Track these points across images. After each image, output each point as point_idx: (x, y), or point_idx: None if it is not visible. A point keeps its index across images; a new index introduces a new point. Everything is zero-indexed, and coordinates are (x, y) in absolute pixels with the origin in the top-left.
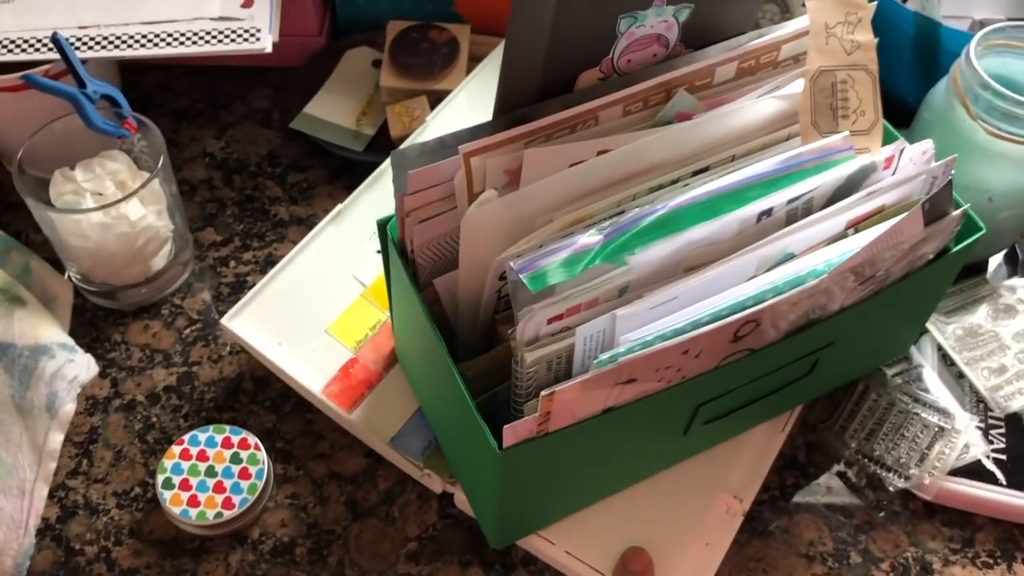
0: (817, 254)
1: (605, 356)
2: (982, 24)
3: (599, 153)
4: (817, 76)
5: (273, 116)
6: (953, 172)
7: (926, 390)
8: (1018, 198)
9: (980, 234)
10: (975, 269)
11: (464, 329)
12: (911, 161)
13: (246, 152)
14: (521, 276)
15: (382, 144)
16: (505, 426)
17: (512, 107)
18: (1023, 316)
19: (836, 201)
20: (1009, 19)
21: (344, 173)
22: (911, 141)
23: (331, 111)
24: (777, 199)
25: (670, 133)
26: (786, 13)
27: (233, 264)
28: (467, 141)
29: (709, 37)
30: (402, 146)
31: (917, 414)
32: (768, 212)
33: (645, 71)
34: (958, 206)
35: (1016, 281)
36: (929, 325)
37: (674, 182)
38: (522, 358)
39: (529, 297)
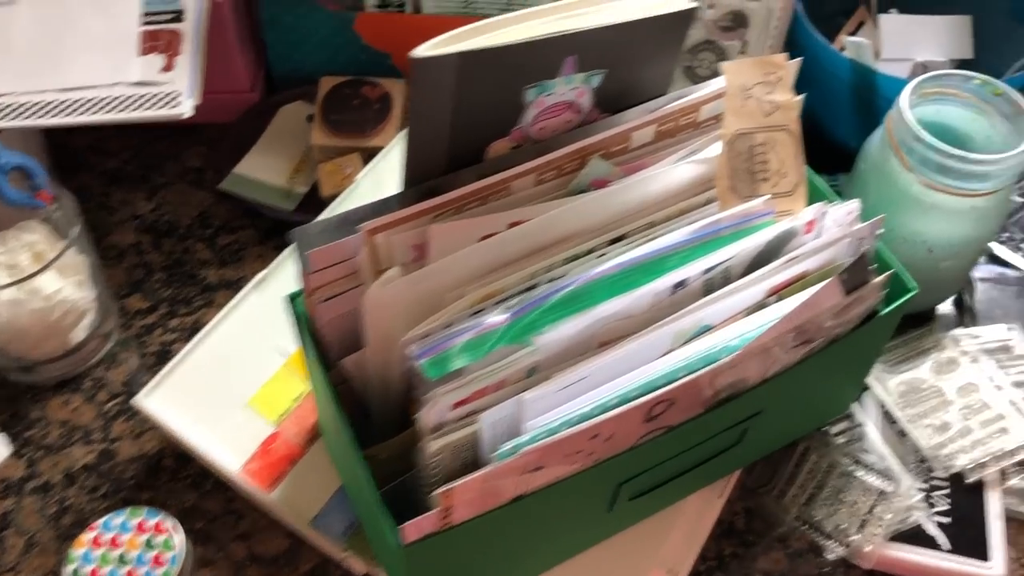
0: (735, 325)
1: (507, 447)
2: (924, 67)
3: (511, 225)
4: (734, 139)
5: (206, 175)
6: (881, 231)
7: (868, 451)
8: (958, 248)
9: (911, 295)
10: (922, 318)
11: (378, 408)
12: (836, 223)
13: (177, 214)
14: (420, 362)
15: (315, 203)
16: (406, 524)
17: (420, 180)
18: (966, 369)
19: (758, 268)
20: (951, 60)
21: (276, 233)
22: (850, 191)
23: (263, 169)
24: (692, 270)
25: (585, 202)
26: (722, 59)
27: (159, 332)
28: (371, 218)
29: (626, 101)
30: (325, 212)
31: (858, 477)
32: (682, 284)
33: (559, 138)
34: (887, 267)
35: (960, 332)
36: (872, 381)
37: (590, 251)
38: (425, 447)
39: (432, 381)
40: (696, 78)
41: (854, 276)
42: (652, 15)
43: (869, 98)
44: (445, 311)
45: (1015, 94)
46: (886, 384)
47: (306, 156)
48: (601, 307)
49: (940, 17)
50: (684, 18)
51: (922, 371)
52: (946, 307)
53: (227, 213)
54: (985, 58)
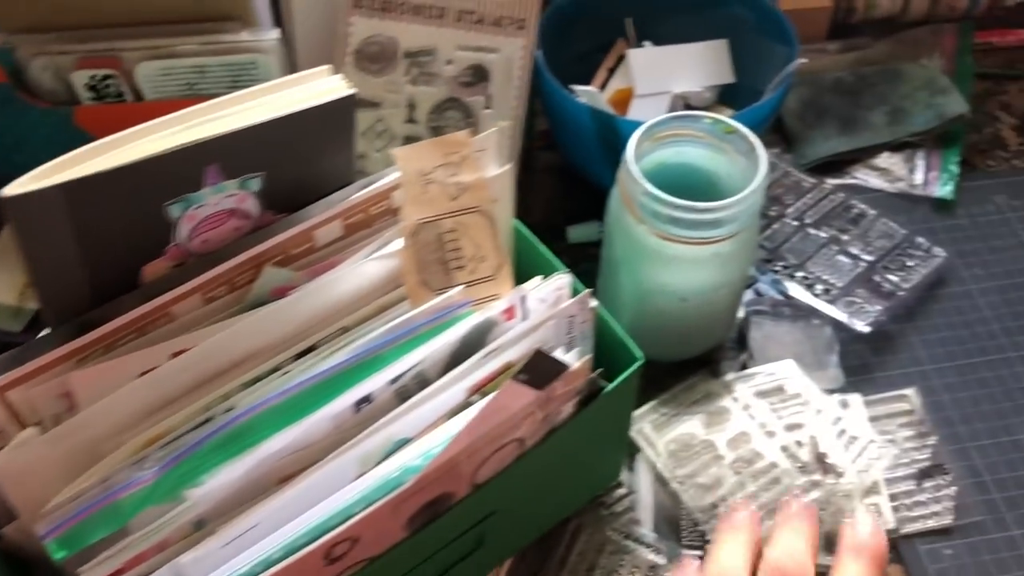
0: (437, 432)
1: None
2: (684, 99)
3: (174, 355)
4: (417, 230)
5: None
6: (595, 304)
7: (639, 522)
8: (711, 294)
9: (639, 364)
10: (702, 363)
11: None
12: (543, 302)
13: None
14: (47, 542)
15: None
16: None
17: (61, 321)
18: (737, 417)
19: (459, 365)
20: (714, 87)
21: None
22: (604, 244)
23: None
24: (377, 381)
25: (260, 316)
26: (469, 118)
27: None
28: (2, 372)
29: (304, 197)
30: None
31: (629, 552)
32: (367, 399)
33: (228, 249)
34: (612, 337)
35: (732, 376)
36: (641, 441)
37: (275, 370)
38: None
39: (74, 559)
40: None
41: (539, 371)
42: (300, 109)
43: (615, 143)
44: (103, 463)
45: (746, 132)
46: (656, 444)
47: None
48: (266, 445)
49: (694, 45)
50: (343, 107)
51: (693, 425)
52: (726, 348)
53: None
54: (747, 80)
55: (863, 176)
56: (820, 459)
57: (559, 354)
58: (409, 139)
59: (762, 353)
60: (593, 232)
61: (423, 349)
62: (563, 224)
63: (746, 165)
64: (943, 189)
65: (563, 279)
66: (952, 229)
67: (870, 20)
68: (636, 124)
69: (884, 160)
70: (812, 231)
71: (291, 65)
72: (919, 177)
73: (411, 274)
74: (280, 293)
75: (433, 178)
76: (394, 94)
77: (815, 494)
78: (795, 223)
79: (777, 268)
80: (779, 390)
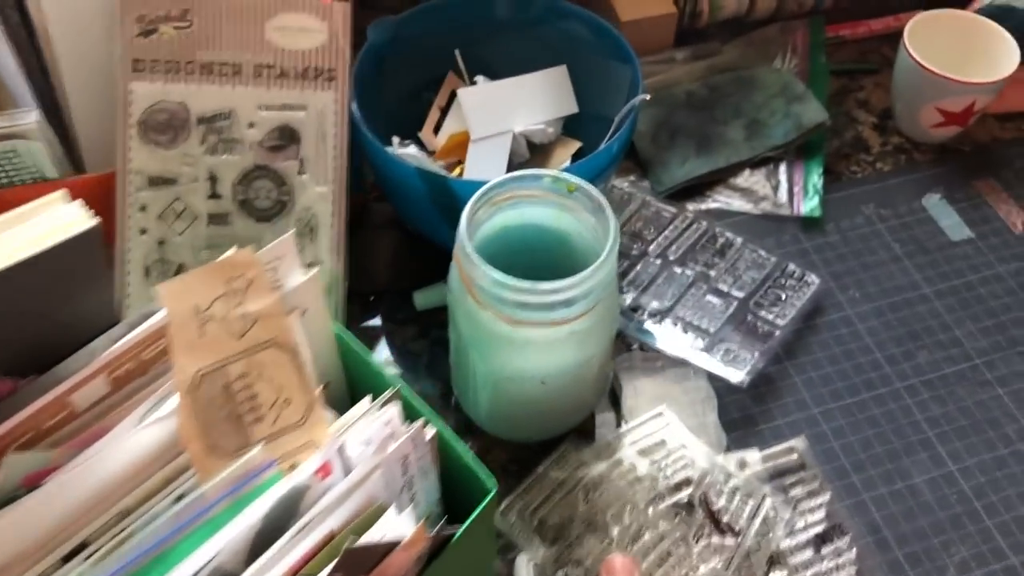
0: None
1: None
2: (526, 137)
3: None
4: (197, 385)
5: None
6: (434, 432)
7: None
8: (574, 371)
9: (490, 497)
10: (584, 433)
11: None
12: (368, 445)
13: None
14: None
15: None
16: None
17: None
18: (616, 484)
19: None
20: (557, 119)
21: None
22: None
23: None
24: None
25: (12, 518)
26: (283, 186)
27: None
28: None
29: (54, 352)
30: None
31: None
32: None
33: None
34: (459, 462)
35: (608, 438)
36: (516, 536)
37: None
38: None
39: None
40: (258, 212)
41: (358, 563)
42: (30, 255)
43: (452, 205)
44: None
45: (589, 189)
46: (531, 537)
47: None
48: None
49: (531, 75)
50: (86, 240)
51: (570, 504)
52: (604, 408)
53: None
54: (591, 105)
55: (725, 199)
56: (714, 520)
57: (389, 518)
58: (214, 216)
59: (635, 412)
60: (442, 296)
61: (219, 538)
62: (409, 289)
63: (595, 223)
64: (809, 205)
65: (390, 412)
66: (823, 248)
67: (717, 23)
68: (472, 186)
69: (745, 179)
70: (677, 268)
71: (68, 147)
72: (783, 195)
73: (194, 440)
74: (35, 481)
75: (212, 314)
76: (191, 167)
77: (715, 562)
78: (658, 261)
79: (644, 316)
80: (661, 445)
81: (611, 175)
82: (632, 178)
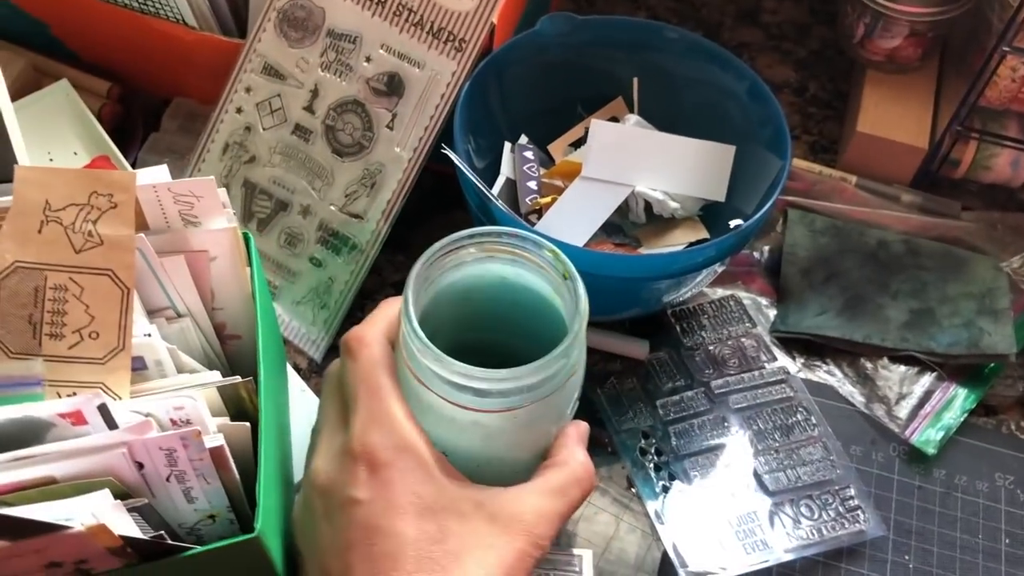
0: None
1: None
2: (642, 200)
3: None
4: (9, 274)
5: None
6: (216, 444)
7: None
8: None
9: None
10: None
11: None
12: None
13: None
14: None
15: None
16: None
17: None
18: None
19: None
20: (696, 199)
21: None
22: None
23: None
24: None
25: None
26: (368, 131)
27: None
28: None
29: None
30: None
31: None
32: None
33: None
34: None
35: None
36: None
37: None
38: None
39: None
40: (336, 143)
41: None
42: None
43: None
44: None
45: (580, 290)
46: None
47: None
48: None
49: (693, 141)
50: None
51: None
52: None
53: None
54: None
55: (840, 376)
56: None
57: (95, 499)
58: (300, 128)
59: (562, 542)
60: None
61: None
62: None
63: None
64: (926, 435)
65: (197, 399)
66: (911, 492)
67: (975, 181)
68: (510, 221)
69: (876, 368)
70: (727, 422)
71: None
72: (905, 408)
73: None
74: None
75: (59, 216)
76: (303, 73)
77: None
78: (710, 403)
79: (651, 455)
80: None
81: (702, 282)
82: (764, 300)
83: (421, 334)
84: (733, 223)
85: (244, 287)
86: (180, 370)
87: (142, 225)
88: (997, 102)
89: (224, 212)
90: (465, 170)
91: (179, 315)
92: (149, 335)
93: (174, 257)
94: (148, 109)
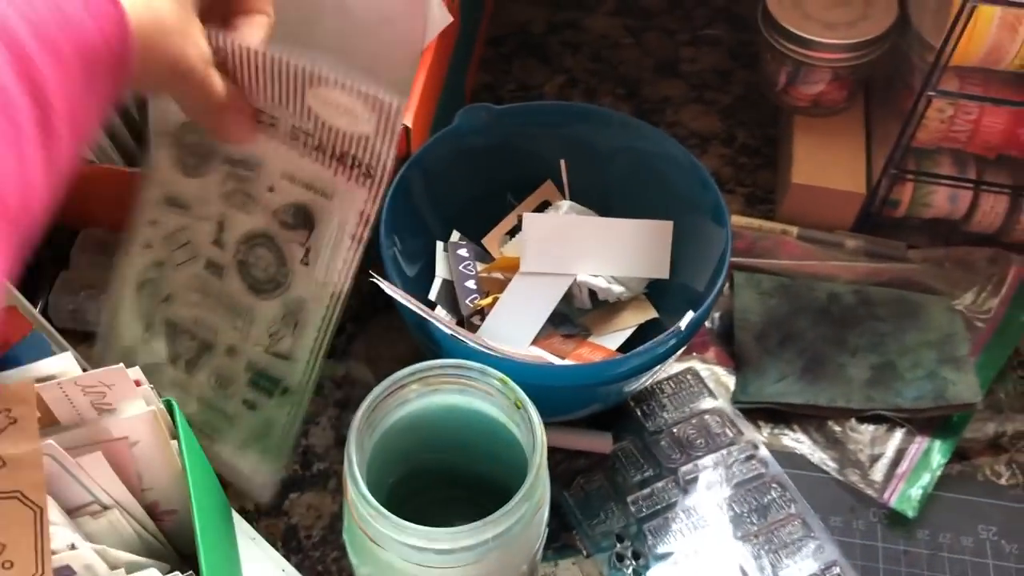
0: None
1: None
2: (586, 289)
3: None
4: None
5: None
6: None
7: None
8: None
9: None
10: None
11: None
12: None
13: None
14: None
15: None
16: None
17: None
18: None
19: None
20: (639, 279)
21: None
22: None
23: None
24: None
25: None
26: (282, 266)
27: None
28: None
29: None
30: None
31: None
32: None
33: None
34: None
35: None
36: None
37: None
38: None
39: None
40: (251, 278)
41: None
42: None
43: (433, 351)
44: None
45: (535, 420)
46: None
47: None
48: None
49: (629, 222)
50: None
51: None
52: None
53: None
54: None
55: (810, 444)
56: None
57: None
58: (212, 264)
59: None
60: None
61: None
62: None
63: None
64: (904, 496)
65: None
66: (897, 559)
67: (918, 218)
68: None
69: (846, 431)
70: (697, 512)
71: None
72: (880, 471)
73: None
74: None
75: None
76: (205, 205)
77: None
78: (679, 493)
79: (628, 559)
80: None
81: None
82: (721, 369)
83: (373, 501)
84: (685, 320)
85: (172, 462)
86: (113, 566)
87: (52, 421)
88: (929, 142)
89: (139, 393)
90: (399, 298)
91: (104, 508)
92: (74, 546)
93: (91, 455)
94: (53, 244)
